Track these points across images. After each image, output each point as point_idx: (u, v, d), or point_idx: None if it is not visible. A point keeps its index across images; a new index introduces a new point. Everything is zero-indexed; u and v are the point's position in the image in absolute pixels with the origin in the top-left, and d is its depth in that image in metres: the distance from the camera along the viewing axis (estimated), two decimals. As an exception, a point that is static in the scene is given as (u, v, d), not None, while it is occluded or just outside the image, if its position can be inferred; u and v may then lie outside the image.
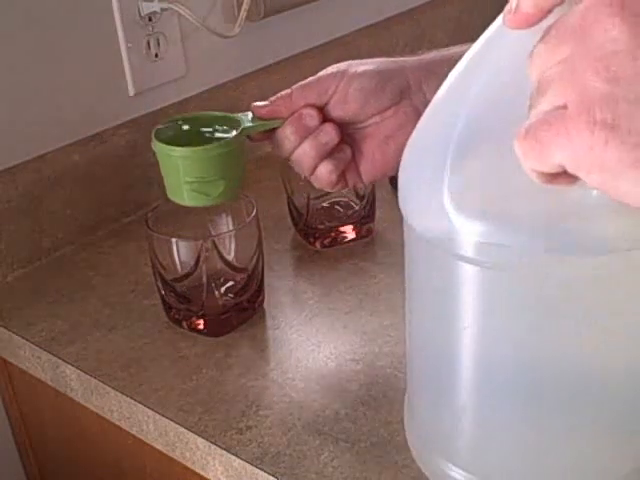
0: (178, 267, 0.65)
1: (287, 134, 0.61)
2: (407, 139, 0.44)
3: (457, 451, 0.48)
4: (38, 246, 0.80)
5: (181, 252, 0.64)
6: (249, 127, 0.61)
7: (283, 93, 0.62)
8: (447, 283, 0.42)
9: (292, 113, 0.61)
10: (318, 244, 0.79)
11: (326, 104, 0.61)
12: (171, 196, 0.62)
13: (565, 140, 0.31)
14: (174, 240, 0.64)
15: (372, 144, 0.63)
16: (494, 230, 0.38)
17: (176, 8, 0.85)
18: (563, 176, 0.32)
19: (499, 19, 0.38)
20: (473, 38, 0.41)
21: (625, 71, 0.30)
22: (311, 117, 0.61)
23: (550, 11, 0.33)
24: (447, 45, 0.64)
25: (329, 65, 0.62)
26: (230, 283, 0.68)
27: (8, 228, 0.76)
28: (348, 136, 0.63)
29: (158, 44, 0.87)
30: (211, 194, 0.61)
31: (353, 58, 1.12)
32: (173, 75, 0.90)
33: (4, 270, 0.77)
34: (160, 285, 0.67)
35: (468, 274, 0.41)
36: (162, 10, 0.85)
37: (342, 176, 0.63)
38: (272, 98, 0.62)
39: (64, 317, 0.72)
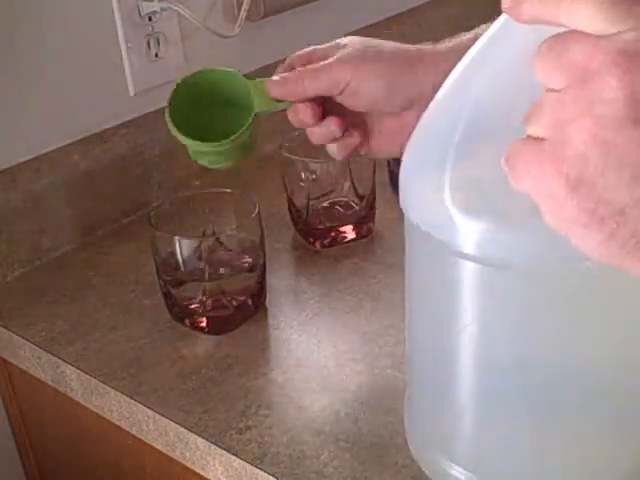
0: (181, 265, 0.65)
1: (293, 120, 0.61)
2: None
3: (457, 450, 0.48)
4: (38, 246, 0.79)
5: (184, 250, 0.64)
6: (260, 111, 0.61)
7: (295, 75, 0.60)
8: (448, 281, 0.42)
9: (302, 100, 0.60)
10: (318, 244, 0.79)
11: (337, 94, 0.60)
12: (194, 158, 0.63)
13: (532, 178, 0.32)
14: (177, 238, 0.64)
15: (382, 127, 0.62)
16: (495, 228, 0.38)
17: (176, 8, 0.85)
18: None
19: (501, 18, 0.38)
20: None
21: (605, 138, 0.29)
22: (313, 118, 0.60)
23: None
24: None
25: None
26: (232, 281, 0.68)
27: (8, 228, 0.76)
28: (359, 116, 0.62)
29: (158, 44, 0.87)
30: (230, 159, 0.62)
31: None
32: (173, 75, 0.90)
33: (4, 270, 0.77)
34: (162, 283, 0.68)
35: (469, 272, 0.41)
36: (162, 10, 0.85)
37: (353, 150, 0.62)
38: (284, 75, 0.61)
39: (64, 317, 0.72)
